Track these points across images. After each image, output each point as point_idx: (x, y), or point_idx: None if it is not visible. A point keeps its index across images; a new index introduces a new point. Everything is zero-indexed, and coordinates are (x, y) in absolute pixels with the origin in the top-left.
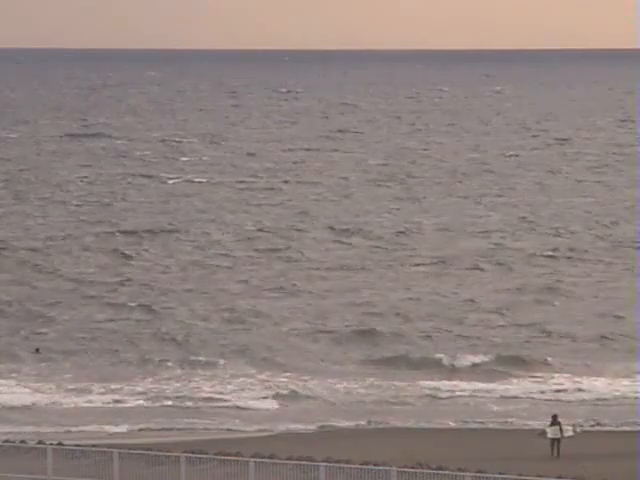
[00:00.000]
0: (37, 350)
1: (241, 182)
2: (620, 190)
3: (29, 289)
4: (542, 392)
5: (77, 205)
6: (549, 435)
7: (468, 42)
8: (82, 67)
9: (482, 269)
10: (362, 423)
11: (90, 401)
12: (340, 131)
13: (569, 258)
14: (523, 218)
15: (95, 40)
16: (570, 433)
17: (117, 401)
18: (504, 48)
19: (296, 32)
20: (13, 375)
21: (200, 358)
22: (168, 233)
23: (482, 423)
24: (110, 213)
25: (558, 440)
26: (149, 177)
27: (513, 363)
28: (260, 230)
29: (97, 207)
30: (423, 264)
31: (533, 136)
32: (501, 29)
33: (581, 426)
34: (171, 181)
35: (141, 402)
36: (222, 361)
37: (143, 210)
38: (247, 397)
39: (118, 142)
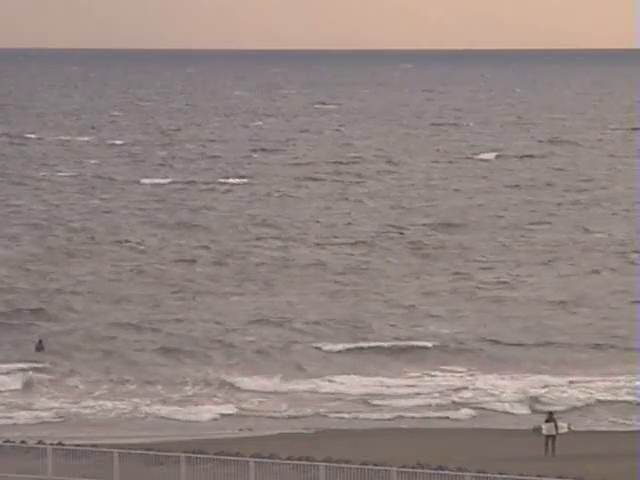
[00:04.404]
0: (40, 342)
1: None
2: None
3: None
4: (539, 392)
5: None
6: (544, 432)
7: (467, 42)
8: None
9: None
10: (362, 423)
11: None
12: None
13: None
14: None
15: (95, 40)
16: (565, 430)
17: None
18: (503, 48)
19: (296, 32)
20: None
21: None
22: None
23: (481, 423)
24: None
25: (553, 437)
26: None
27: (510, 364)
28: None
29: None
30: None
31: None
32: (501, 29)
33: (575, 426)
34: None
35: None
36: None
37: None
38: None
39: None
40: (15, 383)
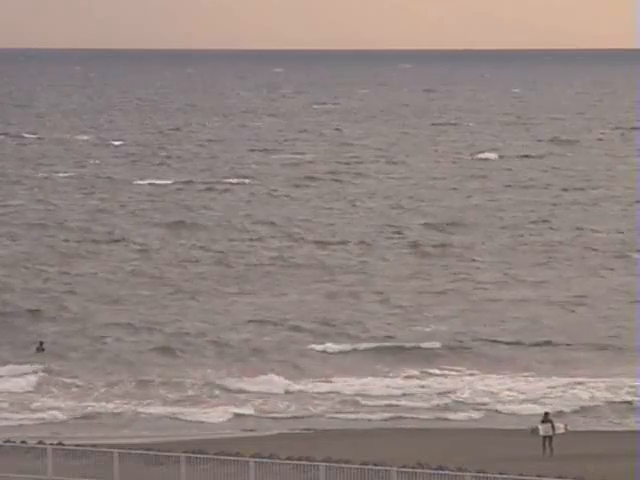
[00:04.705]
0: (41, 344)
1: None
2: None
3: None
4: (537, 391)
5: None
6: (541, 432)
7: (467, 42)
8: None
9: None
10: (362, 423)
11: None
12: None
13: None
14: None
15: (95, 40)
16: (562, 431)
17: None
18: (503, 48)
19: (296, 32)
20: None
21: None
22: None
23: (481, 423)
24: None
25: (550, 438)
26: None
27: (509, 364)
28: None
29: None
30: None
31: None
32: (501, 29)
33: (572, 427)
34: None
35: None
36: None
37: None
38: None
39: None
40: (16, 385)
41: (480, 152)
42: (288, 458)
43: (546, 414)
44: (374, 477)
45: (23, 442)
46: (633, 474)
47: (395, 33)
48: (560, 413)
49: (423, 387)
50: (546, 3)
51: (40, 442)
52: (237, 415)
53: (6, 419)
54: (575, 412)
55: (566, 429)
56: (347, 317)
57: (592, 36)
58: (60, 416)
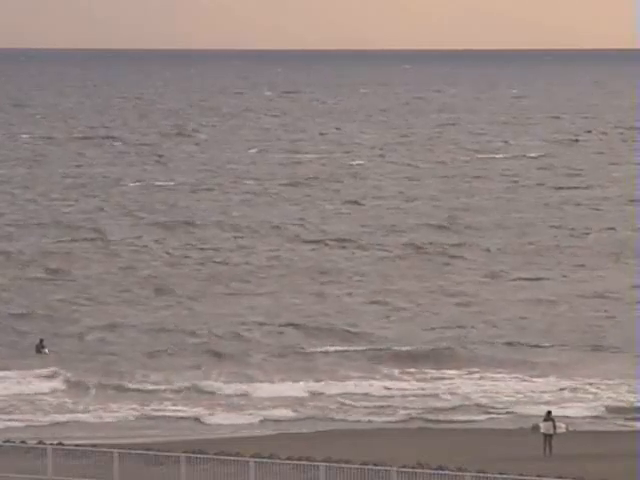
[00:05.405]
0: (41, 342)
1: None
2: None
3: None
4: (537, 391)
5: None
6: (542, 430)
7: (467, 42)
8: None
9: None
10: (362, 423)
11: None
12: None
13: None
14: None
15: (95, 40)
16: (563, 430)
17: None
18: (503, 48)
19: (296, 32)
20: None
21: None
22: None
23: (481, 423)
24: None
25: (550, 436)
26: None
27: (508, 362)
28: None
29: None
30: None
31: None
32: (501, 29)
33: (572, 426)
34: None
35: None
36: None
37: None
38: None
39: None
40: (17, 385)
41: (480, 152)
42: (288, 458)
43: (548, 413)
44: (374, 477)
45: (23, 442)
46: (633, 474)
47: (395, 33)
48: (560, 413)
49: (422, 387)
50: (546, 3)
51: (40, 442)
52: (236, 415)
53: (6, 419)
54: (575, 412)
55: (567, 429)
56: (345, 317)
57: (592, 36)
58: (60, 416)
